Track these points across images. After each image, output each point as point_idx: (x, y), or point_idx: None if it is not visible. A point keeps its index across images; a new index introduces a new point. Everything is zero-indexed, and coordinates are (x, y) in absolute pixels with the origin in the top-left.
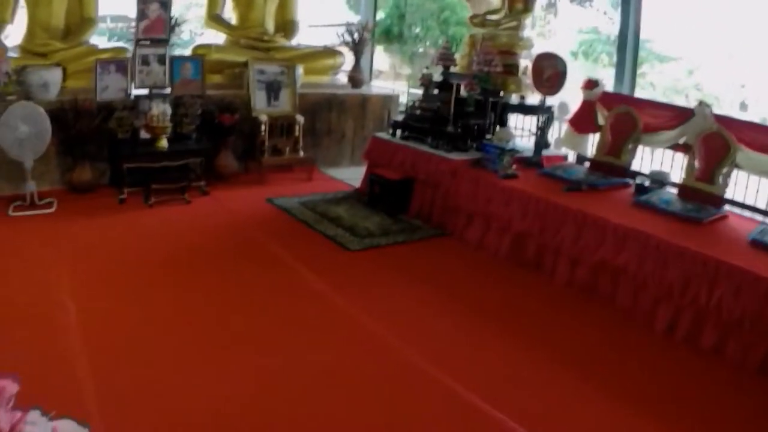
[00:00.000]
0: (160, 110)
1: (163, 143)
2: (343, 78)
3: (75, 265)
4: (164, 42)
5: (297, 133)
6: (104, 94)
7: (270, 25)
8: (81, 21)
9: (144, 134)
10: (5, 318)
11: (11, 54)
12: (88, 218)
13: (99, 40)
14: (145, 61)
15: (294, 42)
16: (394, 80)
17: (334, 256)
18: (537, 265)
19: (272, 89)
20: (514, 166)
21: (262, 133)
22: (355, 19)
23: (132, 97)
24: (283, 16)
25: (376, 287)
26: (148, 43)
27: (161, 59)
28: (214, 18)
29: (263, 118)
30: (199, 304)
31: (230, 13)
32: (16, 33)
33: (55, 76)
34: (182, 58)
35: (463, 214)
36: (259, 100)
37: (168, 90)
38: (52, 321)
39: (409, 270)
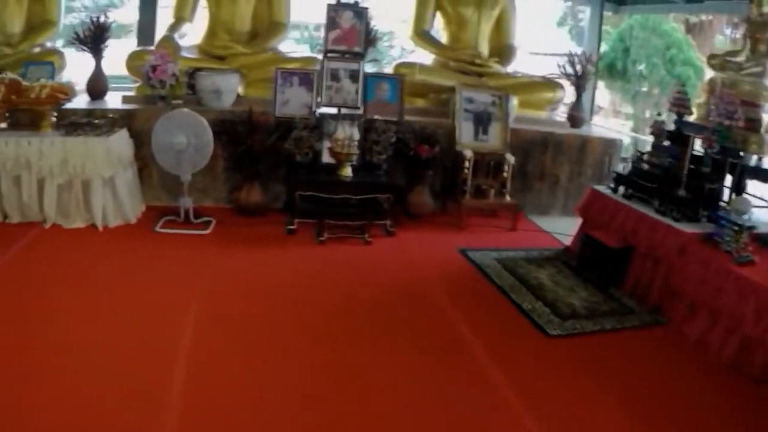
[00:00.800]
0: (347, 134)
1: (347, 172)
2: (560, 114)
3: (208, 307)
4: (358, 56)
5: (505, 174)
6: (283, 109)
7: (484, 48)
8: (270, 25)
9: (326, 159)
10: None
11: (187, 54)
12: (245, 247)
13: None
14: (335, 77)
15: (509, 69)
16: (613, 118)
17: (527, 340)
18: None
19: (481, 121)
20: (750, 248)
21: (466, 171)
22: (577, 50)
23: (316, 115)
24: (499, 39)
25: (570, 393)
26: (338, 56)
27: (354, 75)
28: (421, 35)
29: (468, 153)
30: (342, 380)
31: (441, 32)
32: (195, 33)
33: (229, 82)
34: (378, 76)
35: (686, 302)
36: (465, 133)
37: (359, 111)
38: (149, 401)
39: (614, 373)
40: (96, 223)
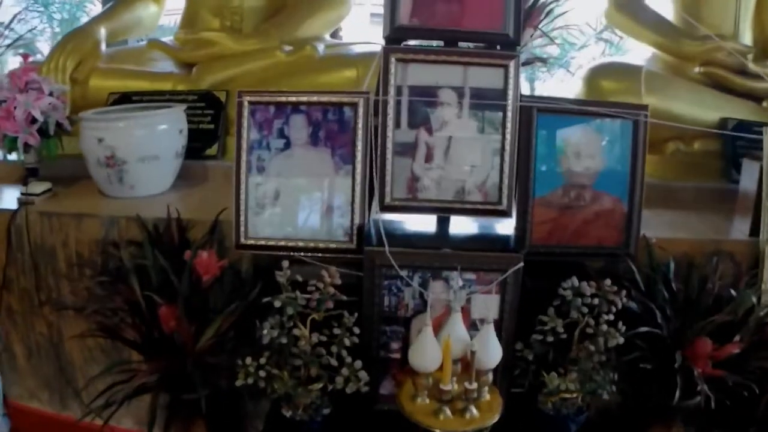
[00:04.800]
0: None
1: None
2: None
3: None
4: (506, 47)
5: None
6: (262, 225)
7: (747, 38)
8: None
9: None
10: None
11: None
12: None
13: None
14: (420, 119)
15: None
16: None
17: None
18: None
19: None
20: None
21: None
22: None
23: (369, 245)
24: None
25: None
26: (435, 52)
27: (486, 110)
28: (627, 7)
29: None
30: None
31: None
32: None
33: (147, 139)
34: (566, 114)
35: None
36: None
37: (506, 235)
38: None
39: None
40: None
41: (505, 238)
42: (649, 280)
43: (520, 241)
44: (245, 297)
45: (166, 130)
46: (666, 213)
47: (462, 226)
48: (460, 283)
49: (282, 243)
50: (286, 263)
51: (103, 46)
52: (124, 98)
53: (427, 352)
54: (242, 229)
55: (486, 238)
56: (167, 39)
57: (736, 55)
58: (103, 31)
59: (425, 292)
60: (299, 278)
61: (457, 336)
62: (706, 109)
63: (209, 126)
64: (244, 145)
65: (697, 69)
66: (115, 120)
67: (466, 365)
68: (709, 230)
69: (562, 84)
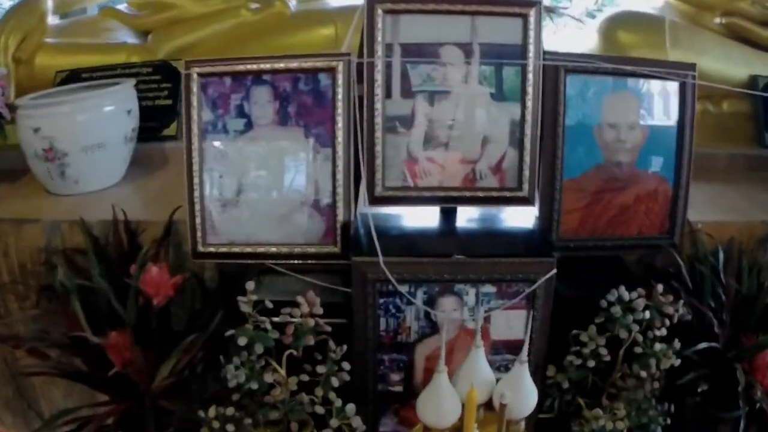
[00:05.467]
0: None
1: None
2: None
3: None
4: None
5: None
6: (228, 228)
7: None
8: None
9: None
10: None
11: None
12: None
13: None
14: (421, 79)
15: None
16: None
17: None
18: None
19: None
20: None
21: None
22: None
23: (358, 247)
24: None
25: None
26: None
27: (499, 53)
28: None
29: None
30: None
31: None
32: None
33: (89, 123)
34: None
35: None
36: None
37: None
38: None
39: None
40: None
41: (526, 234)
42: (696, 275)
43: (547, 236)
44: (210, 319)
45: (111, 113)
46: (699, 187)
47: (464, 218)
48: (473, 298)
49: (249, 249)
50: (251, 285)
51: (50, 19)
52: (73, 76)
53: (443, 405)
54: (199, 233)
55: (503, 235)
56: (122, 6)
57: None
58: (50, 2)
59: (433, 313)
60: (268, 304)
61: (482, 378)
62: (734, 64)
63: (167, 101)
64: (195, 129)
65: (717, 20)
66: (51, 106)
67: (488, 405)
68: (756, 209)
69: (555, 36)
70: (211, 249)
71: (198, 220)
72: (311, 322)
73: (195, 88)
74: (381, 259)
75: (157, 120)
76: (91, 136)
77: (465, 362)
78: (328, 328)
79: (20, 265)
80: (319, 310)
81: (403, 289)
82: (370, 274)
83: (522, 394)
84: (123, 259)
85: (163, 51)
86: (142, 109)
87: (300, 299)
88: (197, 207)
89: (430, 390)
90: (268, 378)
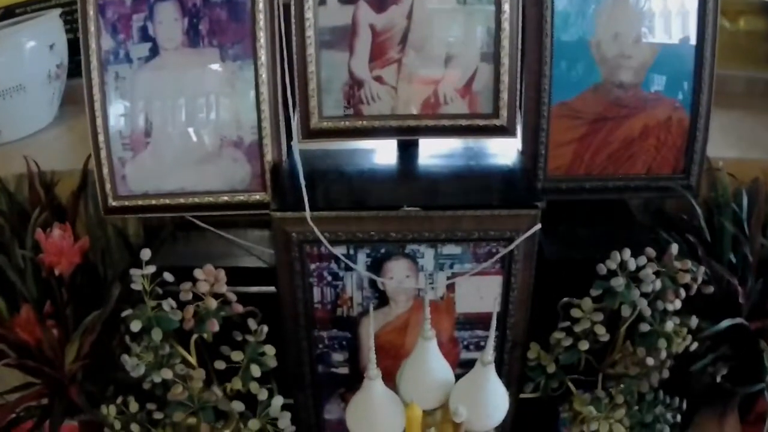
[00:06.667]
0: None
1: None
2: None
3: None
4: None
5: None
6: (143, 174)
7: None
8: None
9: None
10: None
11: None
12: None
13: None
14: None
15: None
16: None
17: None
18: None
19: None
20: None
21: None
22: None
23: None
24: None
25: None
26: None
27: None
28: None
29: None
30: None
31: None
32: None
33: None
34: None
35: None
36: None
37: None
38: None
39: None
40: None
41: (504, 174)
42: (715, 226)
43: (530, 178)
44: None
45: (31, 50)
46: (714, 115)
47: (427, 155)
48: (431, 261)
49: (167, 201)
50: (146, 253)
51: None
52: (7, 14)
53: (377, 420)
54: (108, 185)
55: (474, 177)
56: None
57: None
58: None
59: (380, 280)
60: (168, 276)
61: (433, 379)
62: None
63: None
64: (95, 62)
65: None
66: None
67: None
68: None
69: None
70: (125, 203)
71: (105, 170)
72: (213, 303)
73: (90, 10)
74: (308, 213)
75: None
76: (7, 79)
77: (411, 358)
78: (240, 309)
79: None
80: (222, 288)
81: (339, 251)
82: (295, 234)
83: (485, 405)
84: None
85: None
86: (77, 42)
87: (198, 273)
88: (103, 154)
89: (360, 401)
90: (179, 369)
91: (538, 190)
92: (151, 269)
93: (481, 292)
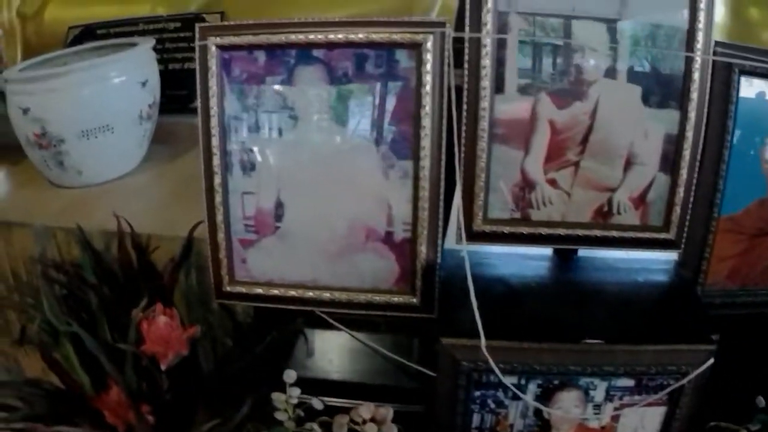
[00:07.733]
0: None
1: None
2: None
3: None
4: None
5: None
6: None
7: None
8: None
9: None
10: None
11: None
12: None
13: None
14: None
15: None
16: None
17: None
18: None
19: None
20: None
21: None
22: None
23: None
24: None
25: None
26: None
27: None
28: None
29: None
30: None
31: None
32: None
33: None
34: None
35: None
36: None
37: None
38: None
39: None
40: None
41: (667, 291)
42: None
43: (701, 303)
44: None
45: (121, 86)
46: None
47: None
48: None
49: (293, 293)
50: (291, 375)
51: None
52: (87, 32)
53: None
54: (224, 269)
55: (643, 297)
56: None
57: None
58: None
59: (546, 411)
60: (317, 404)
61: None
62: None
63: None
64: (216, 126)
65: None
66: (40, 80)
67: None
68: None
69: None
70: (241, 289)
71: (222, 252)
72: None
73: (214, 66)
74: (483, 342)
75: (187, 87)
76: (93, 118)
77: None
78: None
79: (14, 274)
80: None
81: (510, 380)
82: (465, 362)
83: None
84: (131, 284)
85: (196, 0)
86: (168, 73)
87: (364, 411)
88: (220, 234)
89: None
90: None
91: (709, 319)
92: (296, 392)
93: (644, 422)
